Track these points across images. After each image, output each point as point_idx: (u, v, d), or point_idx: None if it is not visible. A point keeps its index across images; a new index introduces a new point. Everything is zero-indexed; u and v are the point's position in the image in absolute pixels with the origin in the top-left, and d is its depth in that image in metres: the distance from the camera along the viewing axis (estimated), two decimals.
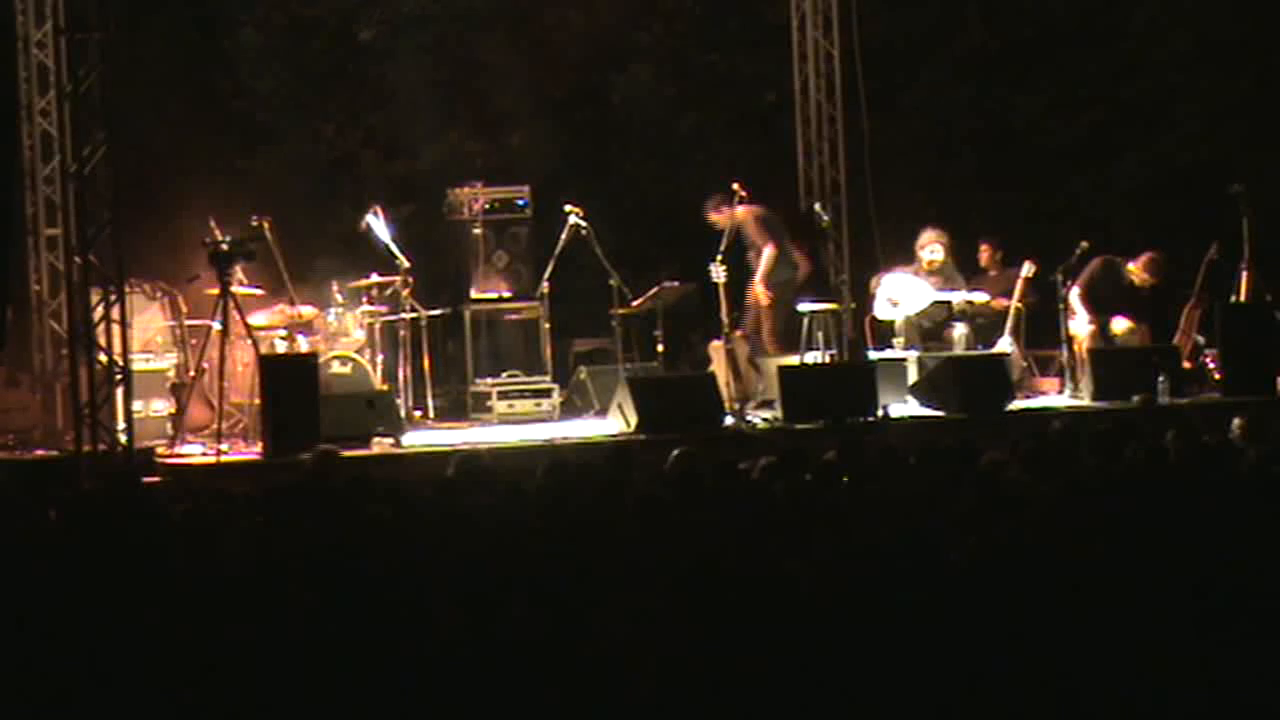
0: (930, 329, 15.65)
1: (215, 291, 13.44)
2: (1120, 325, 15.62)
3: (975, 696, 5.96)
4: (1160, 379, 14.37)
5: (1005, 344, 15.36)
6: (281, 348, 14.35)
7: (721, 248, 14.95)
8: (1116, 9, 18.58)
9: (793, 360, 14.90)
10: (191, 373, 14.04)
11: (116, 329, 12.75)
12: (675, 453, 9.47)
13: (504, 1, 18.09)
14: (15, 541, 7.42)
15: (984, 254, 16.43)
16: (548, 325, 15.73)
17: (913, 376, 14.82)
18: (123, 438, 12.87)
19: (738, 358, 14.76)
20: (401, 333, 15.06)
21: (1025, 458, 8.39)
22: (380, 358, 14.84)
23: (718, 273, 14.82)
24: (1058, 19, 18.58)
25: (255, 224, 14.02)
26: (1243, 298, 15.60)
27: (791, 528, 6.98)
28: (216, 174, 16.85)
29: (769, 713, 5.92)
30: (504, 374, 15.45)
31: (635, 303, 15.54)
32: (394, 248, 15.02)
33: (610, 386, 14.53)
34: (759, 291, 15.32)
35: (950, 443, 9.25)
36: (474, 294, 15.78)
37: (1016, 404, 14.48)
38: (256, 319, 14.17)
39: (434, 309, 15.46)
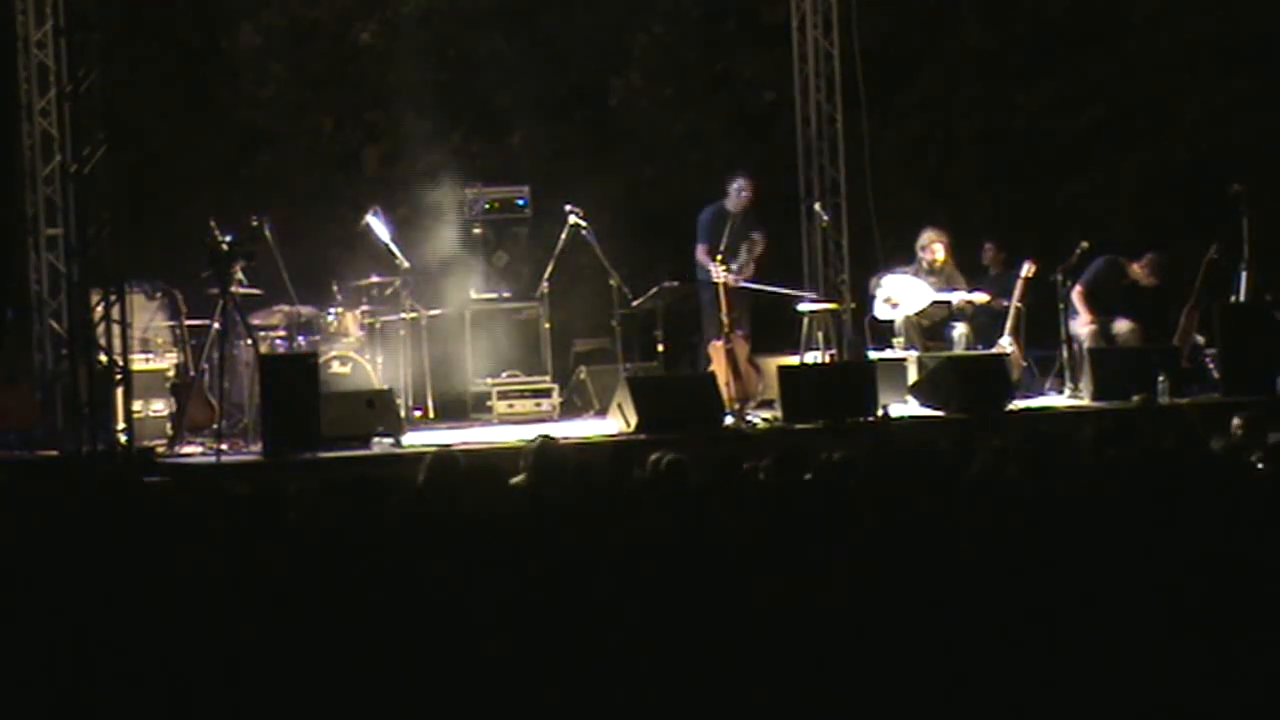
0: (930, 329, 15.66)
1: (215, 291, 13.44)
2: (1121, 325, 15.62)
3: (975, 695, 5.96)
4: (1160, 379, 14.38)
5: (1005, 344, 15.36)
6: (281, 348, 14.35)
7: (721, 247, 14.97)
8: (1117, 8, 18.58)
9: (792, 360, 14.94)
10: (191, 373, 14.04)
11: (116, 329, 12.75)
12: (667, 458, 9.39)
13: (504, 1, 18.10)
14: (15, 542, 7.42)
15: (988, 253, 16.47)
16: (548, 325, 15.76)
17: (913, 376, 14.82)
18: (123, 438, 12.87)
19: (738, 358, 14.76)
20: (401, 333, 15.08)
21: (1022, 458, 8.38)
22: (380, 358, 14.85)
23: (717, 273, 14.84)
24: (1058, 18, 18.58)
25: (255, 224, 14.01)
26: (1243, 298, 15.61)
27: (795, 528, 6.98)
28: (216, 174, 16.88)
29: (768, 711, 5.92)
30: (504, 374, 15.47)
31: (635, 303, 15.58)
32: (394, 248, 15.04)
33: (610, 386, 14.54)
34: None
35: (948, 443, 9.24)
36: (474, 294, 15.79)
37: (1016, 404, 14.49)
38: (256, 319, 14.18)
39: (434, 309, 15.47)
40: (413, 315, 15.15)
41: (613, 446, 11.74)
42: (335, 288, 14.94)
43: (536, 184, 16.40)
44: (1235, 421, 10.02)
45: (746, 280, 15.09)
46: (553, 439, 9.75)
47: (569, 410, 15.45)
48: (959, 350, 15.37)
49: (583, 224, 15.44)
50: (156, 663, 5.99)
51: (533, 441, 9.53)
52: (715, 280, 14.83)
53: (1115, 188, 18.51)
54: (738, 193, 15.30)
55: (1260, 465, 8.41)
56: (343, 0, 17.92)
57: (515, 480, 8.86)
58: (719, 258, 14.86)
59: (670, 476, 8.65)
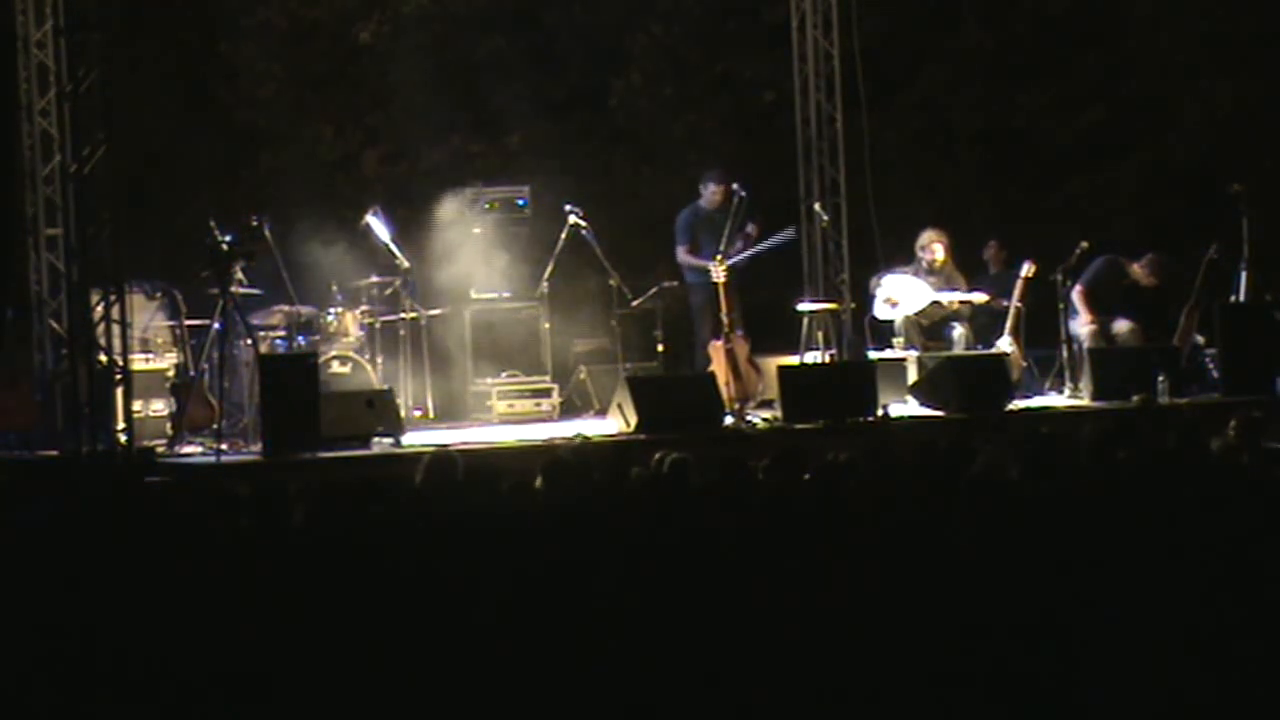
0: (930, 329, 15.67)
1: (215, 291, 13.45)
2: (1121, 325, 15.62)
3: (975, 694, 5.96)
4: (1160, 379, 14.38)
5: (1005, 344, 15.36)
6: (281, 348, 14.36)
7: (720, 246, 14.96)
8: (1117, 8, 18.58)
9: (792, 360, 14.95)
10: (191, 373, 14.04)
11: (116, 329, 12.75)
12: (670, 458, 9.38)
13: (504, 1, 18.10)
14: (15, 542, 7.42)
15: (991, 249, 16.48)
16: (548, 325, 15.76)
17: (913, 376, 14.82)
18: (123, 438, 12.87)
19: (738, 358, 14.76)
20: (401, 333, 15.08)
21: (1023, 458, 8.39)
22: (380, 358, 14.85)
23: (717, 273, 14.83)
24: (1058, 18, 18.58)
25: (254, 224, 14.01)
26: (1243, 298, 15.61)
27: (794, 528, 6.99)
28: (216, 174, 16.88)
29: (768, 711, 5.92)
30: (504, 374, 15.47)
31: (635, 303, 15.58)
32: (394, 248, 15.05)
33: (610, 386, 14.54)
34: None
35: (948, 443, 9.23)
36: (474, 294, 15.79)
37: (1016, 404, 14.49)
38: (256, 319, 14.18)
39: (434, 309, 15.47)
40: (413, 315, 15.16)
41: (613, 446, 11.73)
42: (335, 288, 14.93)
43: (536, 184, 16.39)
44: (1231, 423, 10.02)
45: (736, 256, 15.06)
46: (589, 439, 9.70)
47: (569, 410, 15.44)
48: (959, 350, 15.37)
49: (583, 224, 15.44)
50: (157, 663, 5.99)
51: (573, 439, 9.49)
52: (715, 280, 14.82)
53: (1115, 188, 18.51)
54: (710, 192, 15.34)
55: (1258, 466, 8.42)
56: (343, 0, 17.92)
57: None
58: (718, 257, 14.85)
59: (672, 476, 8.65)
